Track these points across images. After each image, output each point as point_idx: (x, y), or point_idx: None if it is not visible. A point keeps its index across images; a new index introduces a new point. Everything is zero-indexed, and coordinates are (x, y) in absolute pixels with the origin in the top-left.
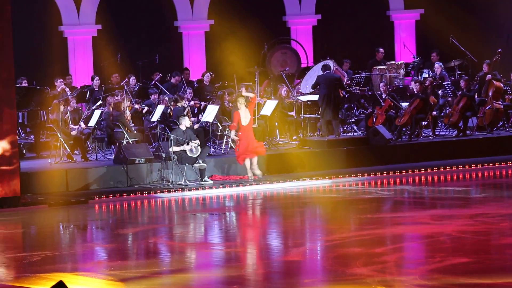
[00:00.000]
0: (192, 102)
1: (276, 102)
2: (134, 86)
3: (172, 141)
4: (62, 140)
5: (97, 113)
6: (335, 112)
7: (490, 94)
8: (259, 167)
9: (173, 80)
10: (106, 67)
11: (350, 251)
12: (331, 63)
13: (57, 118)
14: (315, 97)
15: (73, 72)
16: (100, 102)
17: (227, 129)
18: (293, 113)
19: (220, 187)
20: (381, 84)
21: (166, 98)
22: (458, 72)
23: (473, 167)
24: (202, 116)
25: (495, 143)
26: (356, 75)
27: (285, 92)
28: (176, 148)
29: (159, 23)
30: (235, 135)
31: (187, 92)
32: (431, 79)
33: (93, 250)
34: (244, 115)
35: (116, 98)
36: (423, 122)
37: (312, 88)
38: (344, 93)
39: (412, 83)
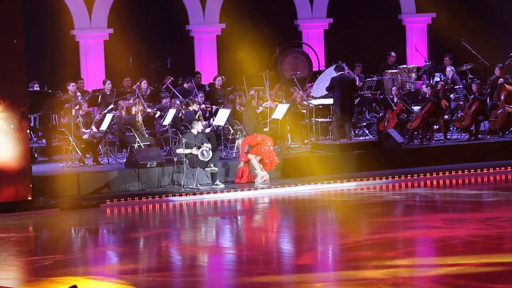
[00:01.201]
0: (203, 106)
1: (287, 106)
2: (145, 90)
3: (183, 144)
4: (73, 144)
5: (108, 117)
6: (349, 115)
7: (502, 98)
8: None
9: (185, 86)
10: (118, 71)
11: (362, 255)
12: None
13: (69, 122)
14: (327, 101)
15: (85, 76)
16: (111, 106)
17: (238, 133)
18: (304, 111)
19: (232, 190)
20: (393, 88)
21: (178, 102)
22: (470, 76)
23: (485, 171)
24: (213, 120)
25: (507, 147)
26: (367, 79)
27: (299, 98)
28: (185, 150)
29: (171, 27)
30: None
31: (199, 96)
32: (442, 83)
33: (104, 254)
34: None
35: (128, 102)
36: (435, 126)
37: (327, 90)
38: (355, 95)
39: (424, 86)
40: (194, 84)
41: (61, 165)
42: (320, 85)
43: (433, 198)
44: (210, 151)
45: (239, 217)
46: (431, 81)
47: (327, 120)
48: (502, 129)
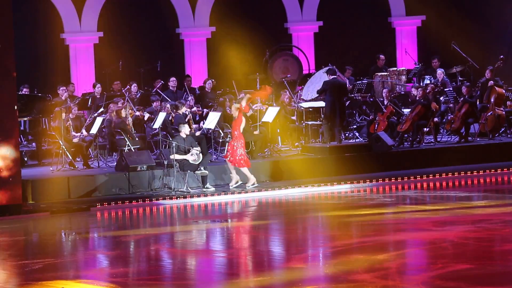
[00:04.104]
0: (195, 108)
1: (277, 108)
2: (135, 93)
3: (174, 148)
4: (64, 147)
5: (98, 120)
6: (340, 120)
7: (492, 100)
8: (260, 173)
9: (170, 83)
10: (108, 74)
11: (352, 258)
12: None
13: (59, 125)
14: (317, 104)
15: (75, 80)
16: (101, 109)
17: (228, 136)
18: (294, 117)
19: (222, 194)
20: (384, 91)
21: (168, 105)
22: (459, 78)
23: (475, 173)
24: (204, 123)
25: (497, 149)
26: (358, 82)
27: (287, 99)
28: (178, 156)
29: (161, 30)
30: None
31: (189, 99)
32: (432, 85)
33: (95, 257)
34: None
35: (118, 105)
36: (425, 129)
37: (318, 93)
38: (344, 100)
39: (413, 89)
40: (185, 86)
41: (51, 168)
42: (310, 88)
43: (423, 200)
44: (201, 154)
45: (229, 220)
46: (421, 84)
47: (318, 123)
48: (492, 132)
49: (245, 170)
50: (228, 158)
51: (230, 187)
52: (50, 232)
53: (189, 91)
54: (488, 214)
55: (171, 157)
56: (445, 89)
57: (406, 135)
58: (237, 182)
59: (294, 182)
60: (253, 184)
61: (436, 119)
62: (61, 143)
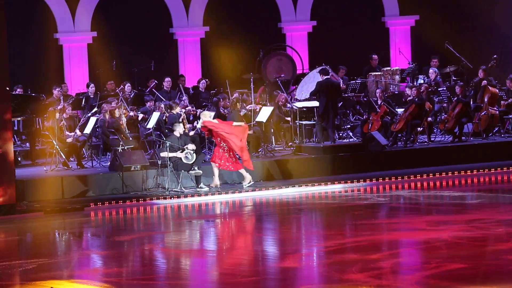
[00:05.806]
0: (189, 107)
1: (271, 108)
2: (129, 93)
3: (167, 148)
4: (57, 147)
5: (92, 120)
6: (332, 119)
7: (485, 100)
8: (253, 173)
9: (165, 83)
10: (102, 74)
11: (346, 257)
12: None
13: (53, 125)
14: (311, 104)
15: (69, 79)
16: (95, 109)
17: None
18: (289, 118)
19: (216, 193)
20: (378, 91)
21: (162, 105)
22: (453, 78)
23: (469, 173)
24: (197, 123)
25: (491, 149)
26: (351, 82)
27: (284, 100)
28: (170, 154)
29: (155, 30)
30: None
31: (183, 99)
32: (426, 85)
33: (89, 257)
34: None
35: (111, 105)
36: (419, 128)
37: (312, 95)
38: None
39: (407, 89)
40: (179, 86)
41: (45, 168)
42: (304, 88)
43: (417, 200)
44: (194, 154)
45: (223, 220)
46: (415, 83)
47: (311, 122)
48: (486, 131)
49: (241, 170)
50: (218, 164)
51: (244, 186)
52: (44, 232)
53: (183, 91)
54: (482, 213)
55: (163, 154)
56: (439, 89)
57: (400, 135)
58: (249, 182)
59: (288, 181)
60: (249, 182)
61: (429, 118)
62: (55, 143)
